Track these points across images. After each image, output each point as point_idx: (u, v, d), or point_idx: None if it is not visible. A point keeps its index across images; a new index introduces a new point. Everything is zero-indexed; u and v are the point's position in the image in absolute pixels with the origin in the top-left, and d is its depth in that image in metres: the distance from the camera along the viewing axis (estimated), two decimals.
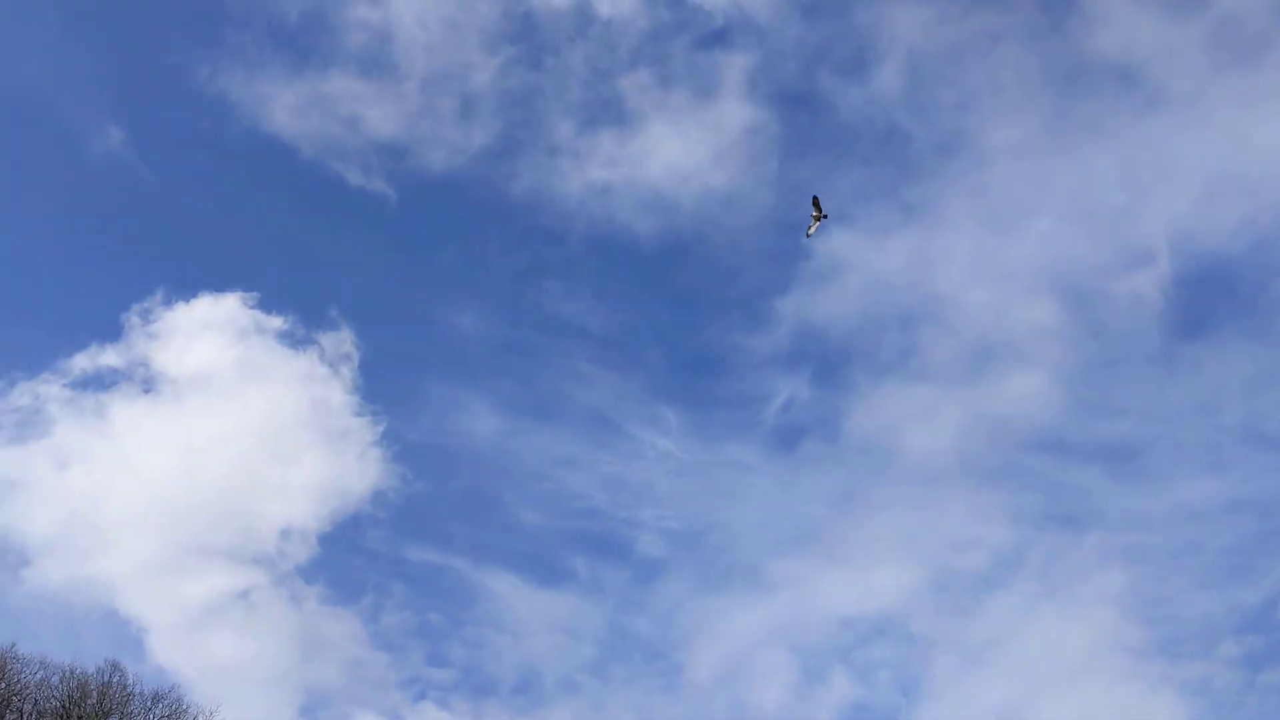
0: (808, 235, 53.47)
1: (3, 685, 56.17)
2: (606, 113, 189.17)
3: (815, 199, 51.50)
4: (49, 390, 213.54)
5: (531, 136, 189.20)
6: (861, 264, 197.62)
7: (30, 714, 56.50)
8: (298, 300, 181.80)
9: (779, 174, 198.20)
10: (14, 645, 59.02)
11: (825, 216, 52.30)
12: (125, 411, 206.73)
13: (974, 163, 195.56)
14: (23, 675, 57.37)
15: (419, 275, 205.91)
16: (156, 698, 62.41)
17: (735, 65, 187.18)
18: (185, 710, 63.71)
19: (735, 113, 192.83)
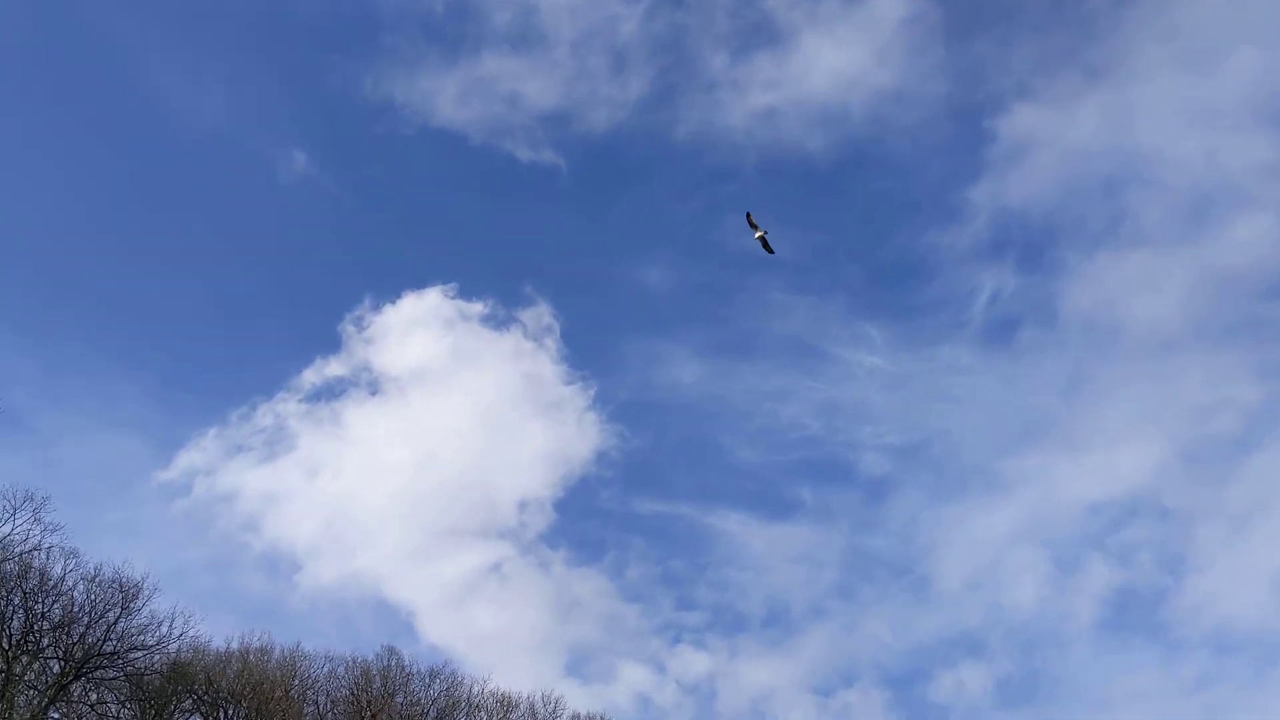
0: (765, 246, 49.28)
1: (296, 681, 59.70)
2: (758, 36, 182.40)
3: (748, 215, 48.36)
4: (287, 408, 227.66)
5: (686, 77, 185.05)
6: (1052, 137, 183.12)
7: (325, 704, 59.92)
8: (494, 283, 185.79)
9: (947, 60, 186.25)
10: (299, 644, 62.67)
11: (765, 233, 49.01)
12: (358, 415, 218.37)
13: (1157, 5, 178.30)
14: (311, 670, 60.98)
15: (600, 237, 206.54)
16: (433, 674, 64.93)
17: None
18: (460, 682, 66.03)
19: (889, 7, 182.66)
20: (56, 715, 53.18)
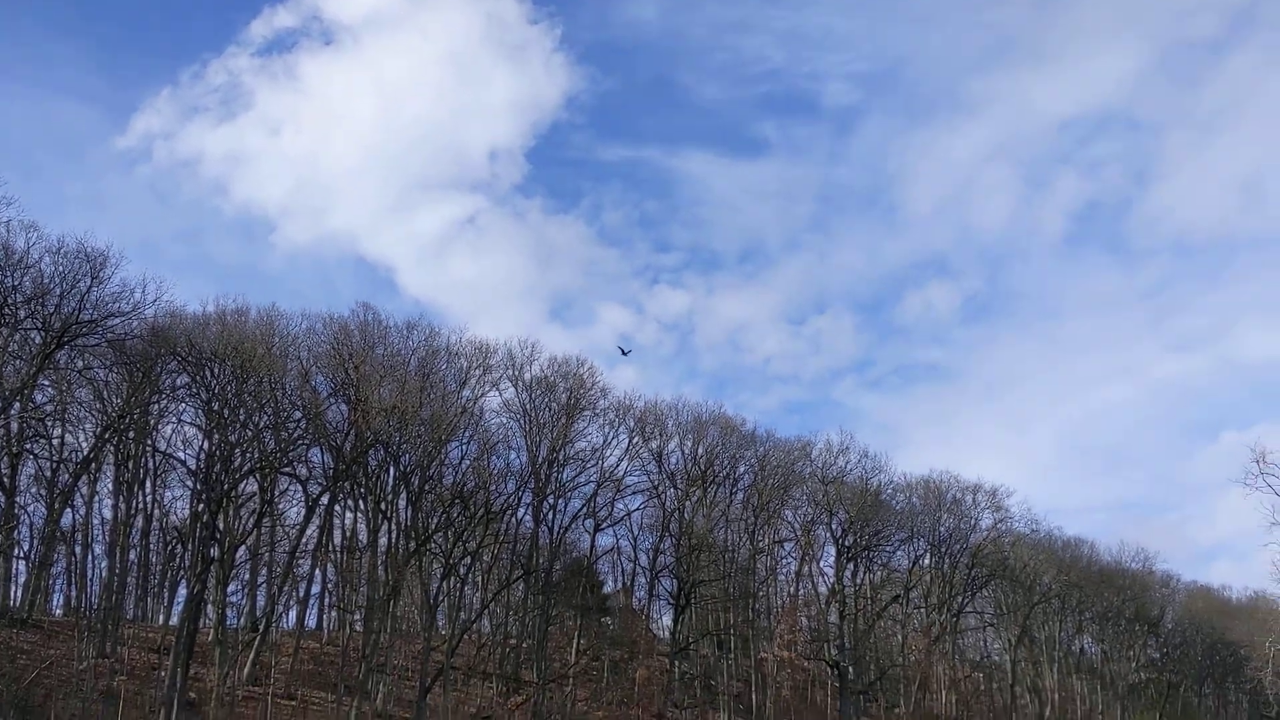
0: None
1: (276, 339, 60.98)
2: None
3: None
4: (239, 63, 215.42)
5: None
6: None
7: (307, 359, 61.70)
8: None
9: None
10: (274, 305, 63.29)
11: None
12: (314, 68, 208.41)
13: None
14: (290, 329, 62.14)
15: None
16: (410, 326, 66.40)
17: None
18: (438, 332, 67.75)
19: None
20: (47, 383, 54.66)
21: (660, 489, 77.58)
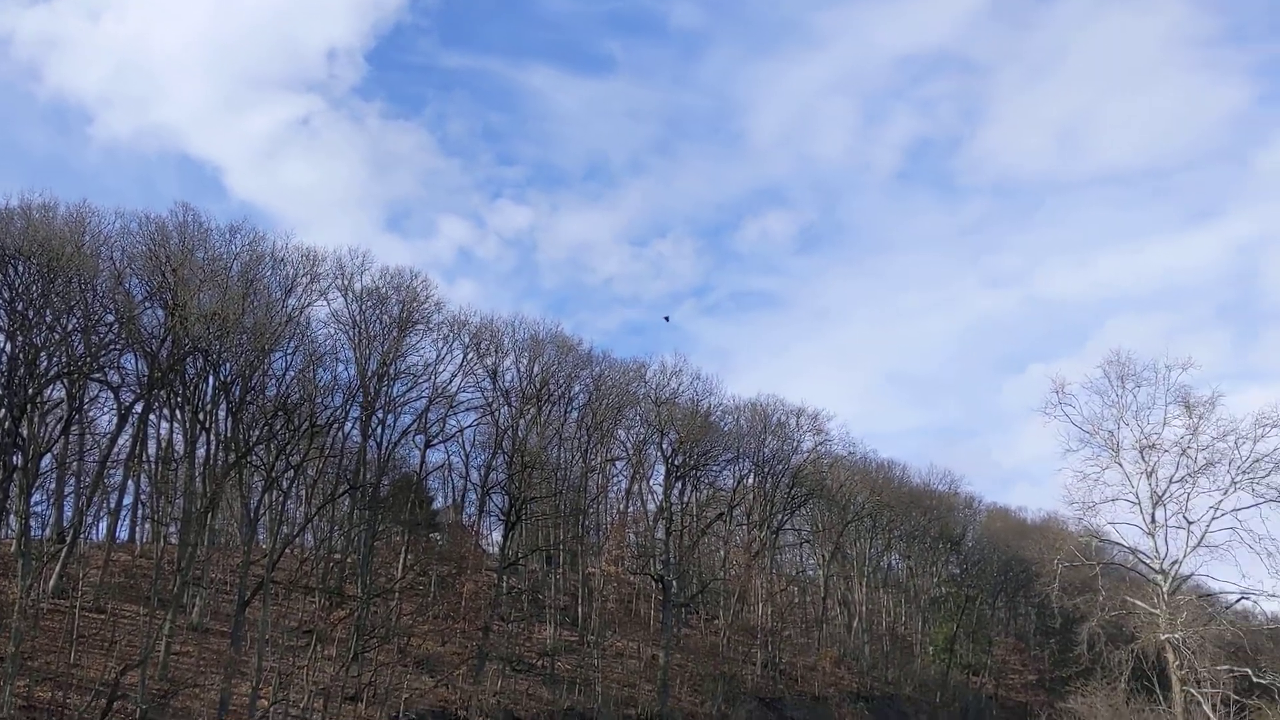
0: None
1: (87, 237, 57.22)
2: None
3: None
4: None
5: None
6: None
7: (121, 260, 58.18)
8: None
9: None
10: (85, 200, 59.10)
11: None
12: None
13: None
14: (102, 227, 58.25)
15: None
16: (234, 230, 63.39)
17: None
18: (264, 237, 64.92)
19: None
20: None
21: (494, 406, 77.36)
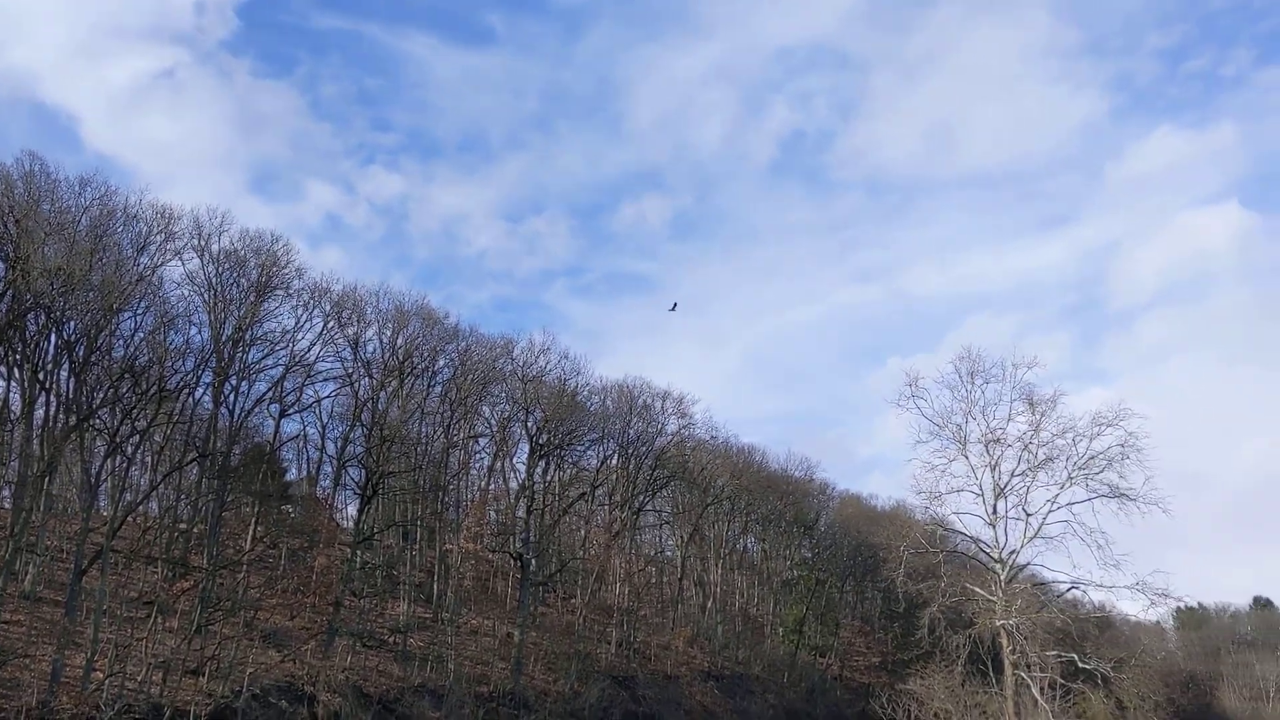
0: None
1: None
2: None
3: None
4: None
5: None
6: None
7: None
8: None
9: None
10: None
11: None
12: None
13: None
14: None
15: None
16: (83, 182, 60.13)
17: None
18: (115, 192, 61.84)
19: None
20: None
21: (355, 377, 75.76)
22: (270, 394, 70.32)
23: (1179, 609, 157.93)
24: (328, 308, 72.19)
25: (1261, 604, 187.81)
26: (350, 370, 75.35)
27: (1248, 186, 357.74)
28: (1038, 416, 64.91)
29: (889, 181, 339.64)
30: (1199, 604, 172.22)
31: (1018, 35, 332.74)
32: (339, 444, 74.91)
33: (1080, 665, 62.30)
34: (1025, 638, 60.79)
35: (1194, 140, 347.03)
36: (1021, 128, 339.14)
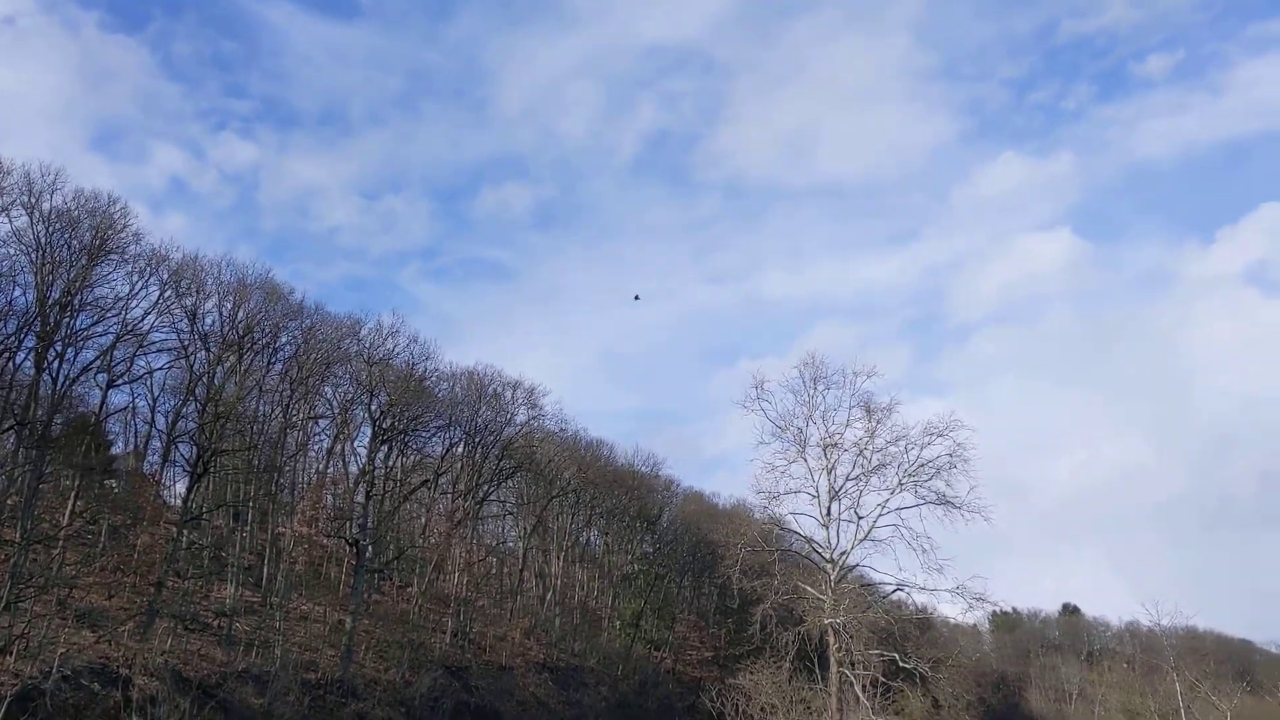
0: None
1: None
2: None
3: None
4: None
5: None
6: None
7: None
8: None
9: None
10: None
11: None
12: None
13: None
14: None
15: None
16: None
17: None
18: None
19: None
20: None
21: (190, 350, 72.62)
22: (98, 363, 66.80)
23: (994, 613, 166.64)
24: (165, 275, 68.94)
25: (1069, 610, 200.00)
26: (186, 342, 72.23)
27: (1080, 215, 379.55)
28: (873, 424, 67.10)
29: (747, 186, 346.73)
30: (1013, 609, 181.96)
31: (878, 54, 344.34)
32: (170, 418, 71.91)
33: (901, 664, 64.72)
34: (851, 636, 62.80)
35: (1035, 168, 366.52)
36: (875, 143, 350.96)
